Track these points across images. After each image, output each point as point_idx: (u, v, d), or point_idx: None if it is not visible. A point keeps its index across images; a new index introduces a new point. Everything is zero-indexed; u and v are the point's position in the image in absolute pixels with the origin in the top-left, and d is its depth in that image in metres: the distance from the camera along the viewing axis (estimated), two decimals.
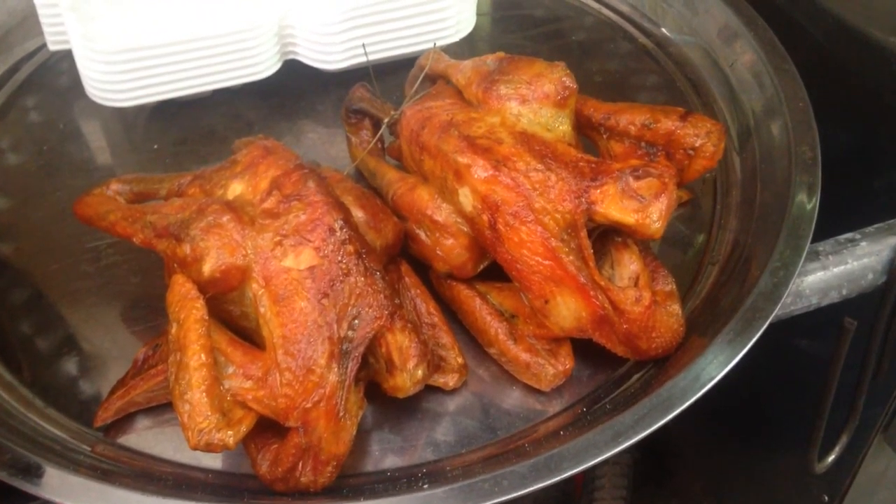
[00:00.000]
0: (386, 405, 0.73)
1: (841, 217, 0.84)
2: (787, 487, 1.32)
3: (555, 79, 0.74)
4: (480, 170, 0.70)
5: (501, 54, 0.79)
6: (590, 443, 0.64)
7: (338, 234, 0.67)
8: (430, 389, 0.73)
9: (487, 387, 0.76)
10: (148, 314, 0.81)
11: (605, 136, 0.77)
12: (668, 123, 0.72)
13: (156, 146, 0.97)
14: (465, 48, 1.08)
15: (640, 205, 0.68)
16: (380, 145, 0.90)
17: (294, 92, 1.03)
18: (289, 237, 0.67)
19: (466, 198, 0.72)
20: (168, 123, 1.00)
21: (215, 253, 0.65)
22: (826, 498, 1.20)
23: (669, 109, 0.74)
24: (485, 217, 0.71)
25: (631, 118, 0.74)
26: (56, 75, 1.06)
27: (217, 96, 1.01)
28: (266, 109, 1.02)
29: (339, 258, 0.67)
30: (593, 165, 0.70)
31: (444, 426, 0.73)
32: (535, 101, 0.74)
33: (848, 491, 1.16)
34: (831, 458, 1.02)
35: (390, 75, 0.99)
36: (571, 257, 0.69)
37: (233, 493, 0.66)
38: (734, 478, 1.61)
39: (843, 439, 1.00)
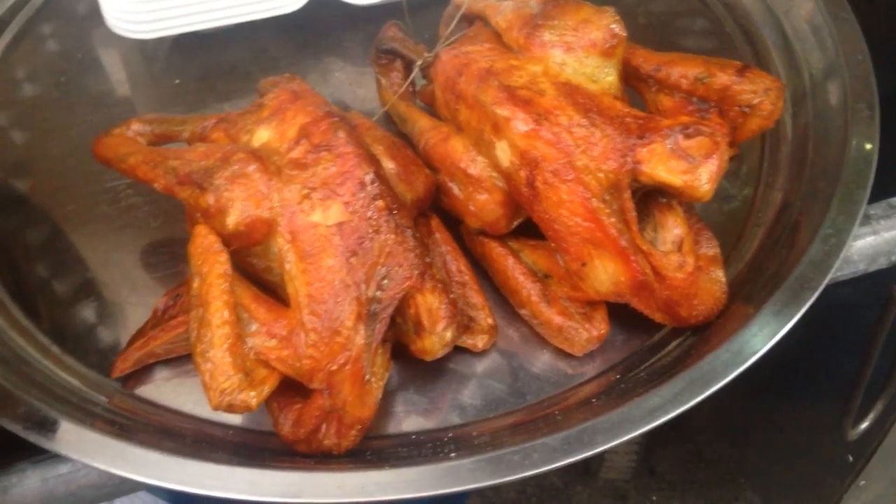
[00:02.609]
0: (411, 365, 0.70)
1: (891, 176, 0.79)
2: (810, 443, 1.31)
3: (603, 26, 0.68)
4: (521, 123, 0.66)
5: None
6: (625, 417, 0.61)
7: (368, 188, 0.64)
8: (457, 350, 0.70)
9: (517, 349, 0.73)
10: (168, 260, 0.78)
11: (653, 89, 0.72)
12: (724, 78, 0.67)
13: (177, 81, 0.93)
14: None
15: (690, 165, 0.64)
16: (411, 89, 0.85)
17: (321, 27, 0.98)
18: (317, 190, 0.63)
19: (504, 152, 0.68)
20: (189, 58, 0.96)
21: (240, 205, 0.62)
22: (851, 458, 1.19)
23: (725, 63, 0.69)
24: (522, 173, 0.67)
25: (683, 71, 0.69)
26: (74, 1, 1.01)
27: (240, 30, 0.96)
28: (291, 45, 0.98)
29: (369, 214, 0.63)
30: (640, 122, 0.65)
31: (471, 389, 0.71)
32: (581, 50, 0.69)
33: (874, 453, 1.14)
34: (864, 424, 0.99)
35: (424, 12, 0.94)
36: (613, 219, 0.65)
37: (253, 452, 0.64)
38: (753, 427, 1.60)
39: (878, 406, 0.97)
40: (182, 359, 0.70)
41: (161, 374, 0.71)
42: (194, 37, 0.94)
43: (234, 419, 0.68)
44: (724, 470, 1.68)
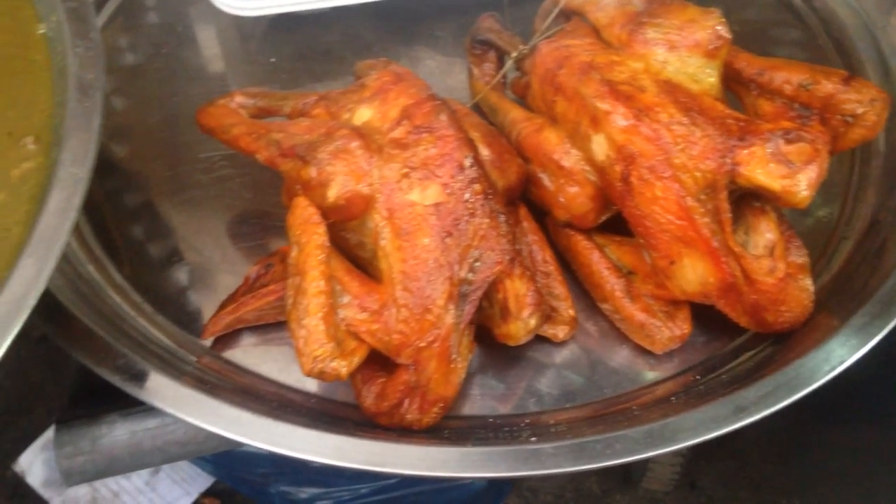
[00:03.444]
0: (491, 350, 0.71)
1: None
2: (865, 464, 1.28)
3: (708, 27, 0.69)
4: (620, 118, 0.67)
5: None
6: (709, 415, 0.61)
7: (466, 171, 0.65)
8: (537, 339, 0.70)
9: (595, 343, 0.74)
10: (257, 231, 0.80)
11: (754, 93, 0.72)
12: (829, 86, 0.67)
13: (273, 60, 0.95)
14: None
15: (789, 171, 0.64)
16: (503, 80, 0.86)
17: (413, 15, 1.00)
18: (416, 170, 0.64)
19: (600, 146, 0.69)
20: (285, 38, 0.98)
21: (341, 179, 0.64)
22: None
23: (830, 71, 0.68)
24: (618, 168, 0.68)
25: (787, 76, 0.69)
26: None
27: (335, 14, 0.98)
28: (383, 31, 0.99)
29: (466, 197, 0.64)
30: (742, 124, 0.65)
31: (548, 378, 0.71)
32: (685, 49, 0.69)
33: None
34: None
35: (518, 5, 0.94)
36: (706, 219, 0.65)
37: (336, 421, 0.66)
38: (802, 449, 1.57)
39: None
40: (268, 327, 0.72)
41: (248, 339, 0.72)
42: (290, 18, 0.97)
43: (315, 388, 0.70)
44: (767, 490, 1.65)
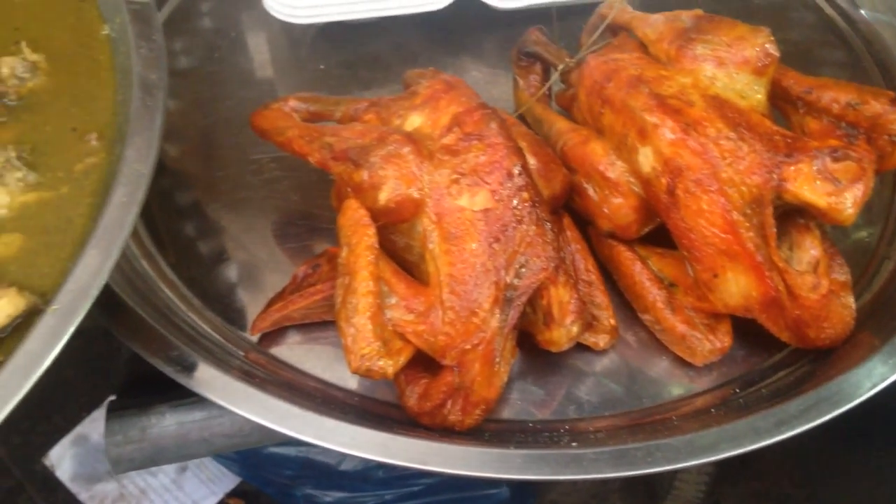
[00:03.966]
0: (531, 356, 0.72)
1: None
2: (893, 489, 1.27)
3: (758, 44, 0.70)
4: (668, 131, 0.68)
5: (699, 12, 0.75)
6: (751, 427, 0.62)
7: (515, 179, 0.66)
8: (577, 347, 0.71)
9: (634, 353, 0.74)
10: (303, 232, 0.82)
11: (801, 111, 0.72)
12: (877, 106, 0.68)
13: (322, 66, 0.98)
14: (634, 4, 1.04)
15: (836, 188, 0.64)
16: (547, 92, 0.87)
17: (460, 27, 1.01)
18: (466, 176, 0.66)
19: (647, 158, 0.70)
20: (334, 45, 1.00)
21: (393, 183, 0.65)
22: None
23: (878, 91, 0.69)
24: (664, 180, 0.69)
25: (835, 95, 0.70)
26: None
27: (384, 24, 1.00)
28: (430, 41, 1.01)
29: (514, 204, 0.66)
30: (789, 140, 0.66)
31: (588, 385, 0.72)
32: (733, 66, 0.70)
33: None
34: None
35: (564, 20, 0.96)
36: (751, 234, 0.66)
37: (378, 419, 0.67)
38: (828, 473, 1.56)
39: None
40: (313, 326, 0.74)
41: (293, 337, 0.74)
42: (340, 26, 0.99)
43: (357, 387, 0.71)
44: None
